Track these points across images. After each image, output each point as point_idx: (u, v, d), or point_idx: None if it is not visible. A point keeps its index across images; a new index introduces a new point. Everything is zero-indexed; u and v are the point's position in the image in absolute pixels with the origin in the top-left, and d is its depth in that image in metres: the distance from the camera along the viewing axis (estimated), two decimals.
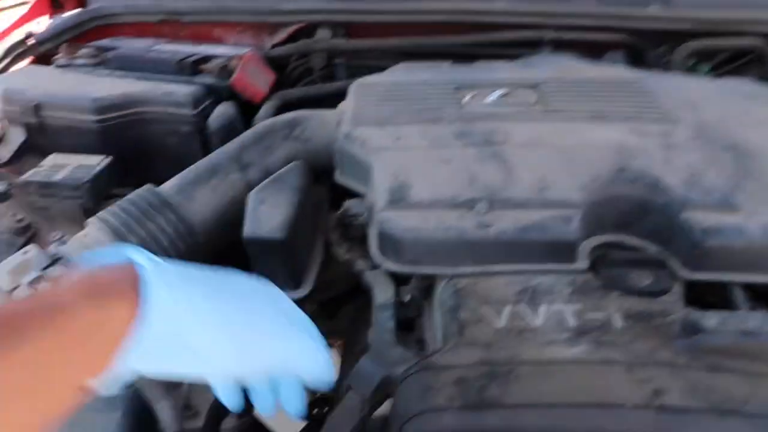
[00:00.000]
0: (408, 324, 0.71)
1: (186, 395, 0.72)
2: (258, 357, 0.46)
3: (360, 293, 1.12)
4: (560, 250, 0.64)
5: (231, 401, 0.49)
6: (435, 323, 0.67)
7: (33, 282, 0.67)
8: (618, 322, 0.58)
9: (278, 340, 0.47)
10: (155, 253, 0.43)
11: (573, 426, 0.48)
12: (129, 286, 0.40)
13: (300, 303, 0.56)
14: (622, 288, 0.62)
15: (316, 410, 1.52)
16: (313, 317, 1.28)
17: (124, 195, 0.79)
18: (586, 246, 0.67)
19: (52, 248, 0.70)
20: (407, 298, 0.75)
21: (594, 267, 0.65)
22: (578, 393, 0.49)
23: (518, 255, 0.64)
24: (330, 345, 1.52)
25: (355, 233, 0.87)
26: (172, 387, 0.65)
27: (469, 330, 0.58)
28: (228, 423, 0.79)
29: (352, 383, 0.60)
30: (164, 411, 0.62)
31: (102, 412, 0.62)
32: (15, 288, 0.67)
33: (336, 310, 1.21)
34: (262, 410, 0.50)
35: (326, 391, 0.53)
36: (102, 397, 0.64)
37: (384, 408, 0.62)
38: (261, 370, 0.48)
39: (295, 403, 0.50)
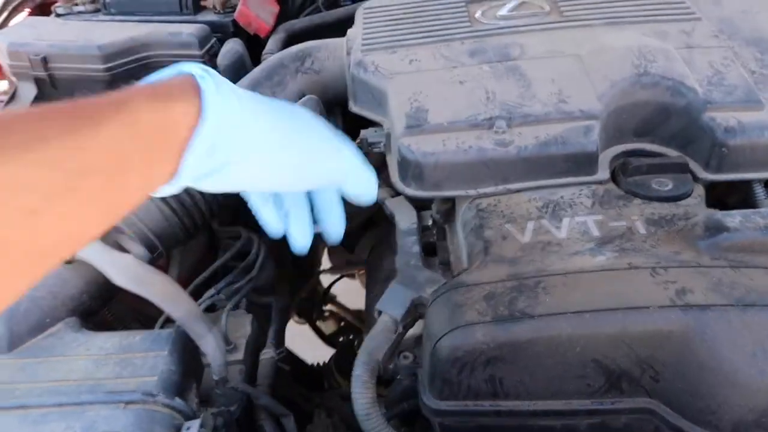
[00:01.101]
0: (431, 249, 0.73)
1: (224, 331, 0.76)
2: (312, 173, 0.47)
3: (377, 224, 1.14)
4: (581, 163, 0.64)
5: (272, 219, 0.50)
6: (459, 245, 0.68)
7: None
8: (640, 228, 0.59)
9: (331, 158, 0.48)
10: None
11: (601, 330, 0.50)
12: (191, 92, 0.39)
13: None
14: (643, 195, 0.62)
15: (342, 338, 1.57)
16: (333, 251, 1.29)
17: None
18: (606, 156, 0.67)
19: None
20: (429, 222, 0.77)
21: (614, 176, 0.66)
22: (605, 299, 0.51)
23: (539, 171, 0.65)
24: (353, 275, 1.56)
25: (374, 163, 0.87)
26: (213, 324, 0.68)
27: (494, 248, 0.60)
28: (265, 354, 0.83)
29: (383, 308, 0.62)
30: (209, 345, 0.65)
31: (151, 350, 0.65)
32: None
33: (355, 242, 1.23)
34: (299, 230, 0.52)
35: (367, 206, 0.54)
36: (149, 337, 0.68)
37: (416, 329, 0.64)
38: (311, 186, 0.49)
39: (338, 217, 0.53)
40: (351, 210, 0.94)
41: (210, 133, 0.38)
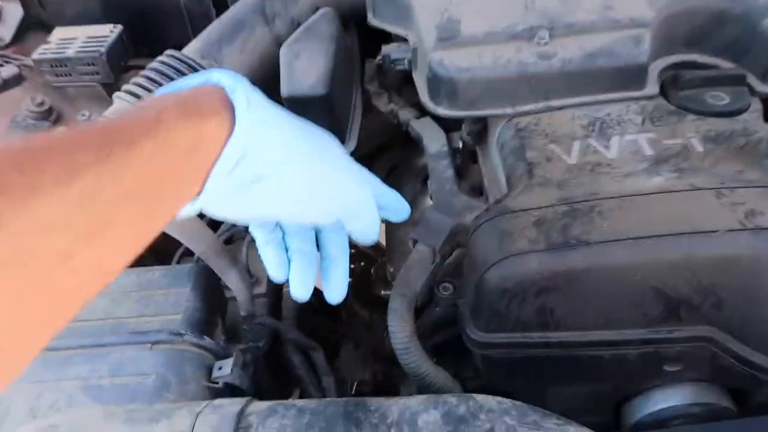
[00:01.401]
0: (458, 173, 0.69)
1: (246, 264, 0.72)
2: (326, 201, 0.45)
3: (390, 147, 1.09)
4: (629, 76, 0.59)
5: (275, 261, 0.47)
6: (495, 167, 0.64)
7: None
8: (697, 146, 0.54)
9: (347, 190, 0.46)
10: None
11: (663, 257, 0.46)
12: (221, 107, 0.37)
13: None
14: (697, 110, 0.58)
15: (353, 265, 1.55)
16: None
17: (144, 66, 0.74)
18: (655, 68, 0.61)
19: None
20: (459, 145, 0.72)
21: (664, 91, 0.61)
22: (666, 223, 0.47)
23: (583, 86, 0.60)
24: None
25: (395, 81, 0.81)
26: (236, 258, 0.65)
27: (538, 170, 0.55)
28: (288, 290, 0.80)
29: (420, 237, 0.59)
30: (233, 280, 0.62)
31: (172, 287, 0.62)
32: None
33: (368, 168, 1.18)
34: (302, 275, 0.47)
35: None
36: (169, 272, 0.64)
37: (454, 258, 0.61)
38: (322, 217, 0.46)
39: (343, 270, 0.48)
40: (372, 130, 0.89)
41: (237, 151, 0.37)
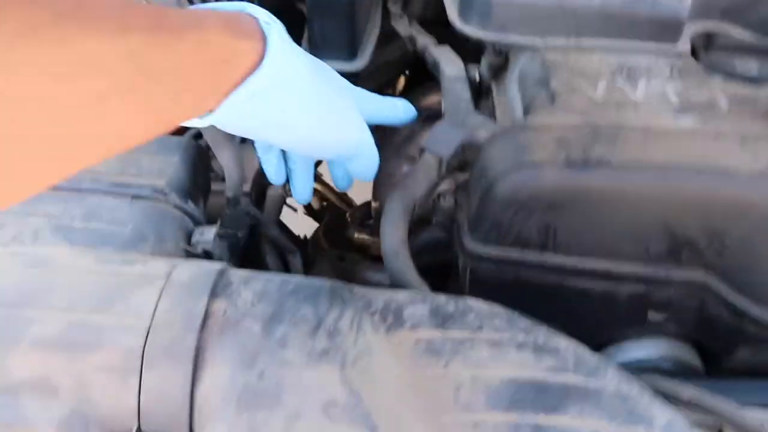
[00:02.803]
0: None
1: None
2: (332, 141, 0.49)
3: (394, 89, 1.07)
4: (666, 28, 0.58)
5: (274, 171, 0.56)
6: (512, 100, 0.63)
7: None
8: (723, 103, 0.54)
9: (352, 130, 0.50)
10: None
11: (685, 189, 0.46)
12: (256, 35, 0.39)
13: (354, 80, 0.56)
14: (725, 72, 0.57)
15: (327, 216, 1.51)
16: None
17: None
18: (689, 29, 0.61)
19: None
20: (476, 76, 0.70)
21: (695, 52, 0.60)
22: (690, 159, 0.47)
23: (619, 29, 0.59)
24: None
25: (418, 3, 0.79)
26: (230, 138, 0.61)
27: (562, 98, 0.54)
28: (273, 190, 0.77)
29: (429, 146, 0.57)
30: (226, 156, 0.59)
31: (159, 154, 0.59)
32: None
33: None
34: (302, 185, 0.58)
35: None
36: (159, 140, 0.61)
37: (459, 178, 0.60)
38: (325, 154, 0.53)
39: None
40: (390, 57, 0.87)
41: (262, 82, 0.39)
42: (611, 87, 0.56)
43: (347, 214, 1.15)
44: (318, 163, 1.42)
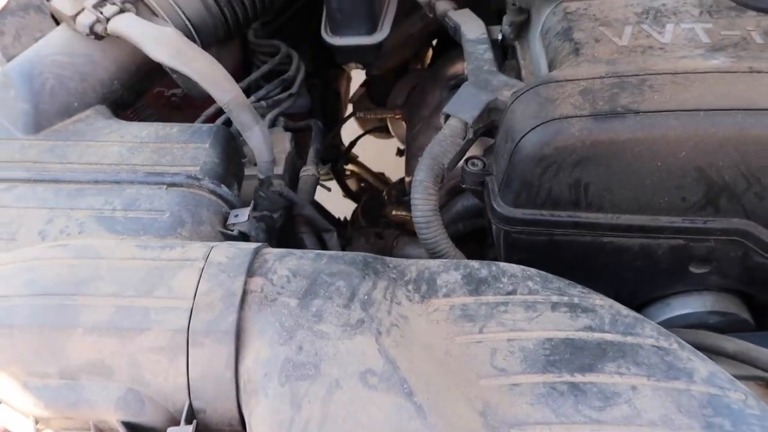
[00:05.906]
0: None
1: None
2: None
3: (409, 70, 1.06)
4: None
5: None
6: (536, 56, 0.62)
7: (97, 5, 0.62)
8: (758, 38, 0.52)
9: None
10: None
11: (714, 132, 0.44)
12: None
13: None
14: (758, 7, 0.55)
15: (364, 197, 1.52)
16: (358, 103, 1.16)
17: None
18: None
19: None
20: (498, 37, 0.69)
21: None
22: (722, 100, 0.45)
23: None
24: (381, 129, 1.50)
25: None
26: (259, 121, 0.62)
27: (586, 49, 0.53)
28: (306, 171, 0.78)
29: (452, 111, 0.57)
30: (256, 137, 0.60)
31: (191, 142, 0.60)
32: (79, 12, 0.62)
33: (384, 92, 1.15)
34: None
35: None
36: (188, 129, 0.62)
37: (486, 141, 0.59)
38: None
39: None
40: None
41: None
42: (637, 32, 0.54)
43: (383, 192, 1.16)
44: (353, 144, 1.44)
